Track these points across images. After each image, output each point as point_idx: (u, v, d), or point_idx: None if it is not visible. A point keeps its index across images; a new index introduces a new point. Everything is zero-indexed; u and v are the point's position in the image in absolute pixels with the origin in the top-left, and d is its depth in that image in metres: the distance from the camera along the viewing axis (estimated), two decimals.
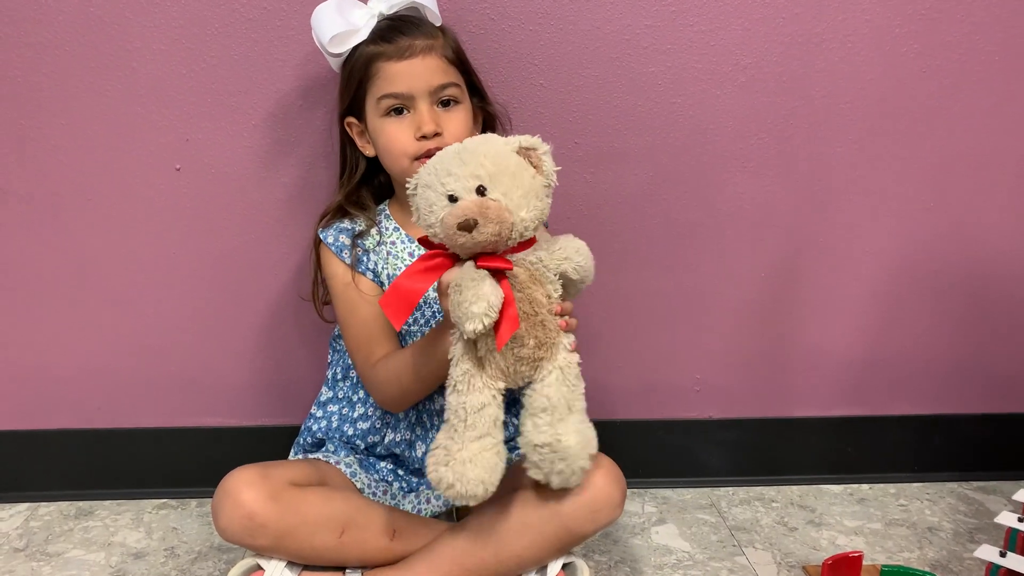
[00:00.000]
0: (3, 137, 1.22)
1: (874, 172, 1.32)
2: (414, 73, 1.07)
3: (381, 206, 1.19)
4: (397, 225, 1.16)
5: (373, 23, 1.09)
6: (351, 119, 1.13)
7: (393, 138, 1.09)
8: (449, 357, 0.96)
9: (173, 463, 1.35)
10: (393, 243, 1.15)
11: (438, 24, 1.12)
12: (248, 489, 1.00)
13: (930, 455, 1.43)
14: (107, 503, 1.33)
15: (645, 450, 1.39)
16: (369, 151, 1.14)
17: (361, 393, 1.17)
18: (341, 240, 1.14)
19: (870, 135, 1.30)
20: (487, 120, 1.18)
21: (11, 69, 1.20)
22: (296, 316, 1.30)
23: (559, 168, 0.97)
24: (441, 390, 1.14)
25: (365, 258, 1.14)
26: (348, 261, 1.13)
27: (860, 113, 1.29)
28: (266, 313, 1.31)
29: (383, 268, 1.14)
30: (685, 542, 1.25)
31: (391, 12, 1.10)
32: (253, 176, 1.25)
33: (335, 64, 1.13)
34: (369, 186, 1.19)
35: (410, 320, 1.13)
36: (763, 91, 1.27)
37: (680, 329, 1.36)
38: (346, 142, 1.16)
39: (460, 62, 1.12)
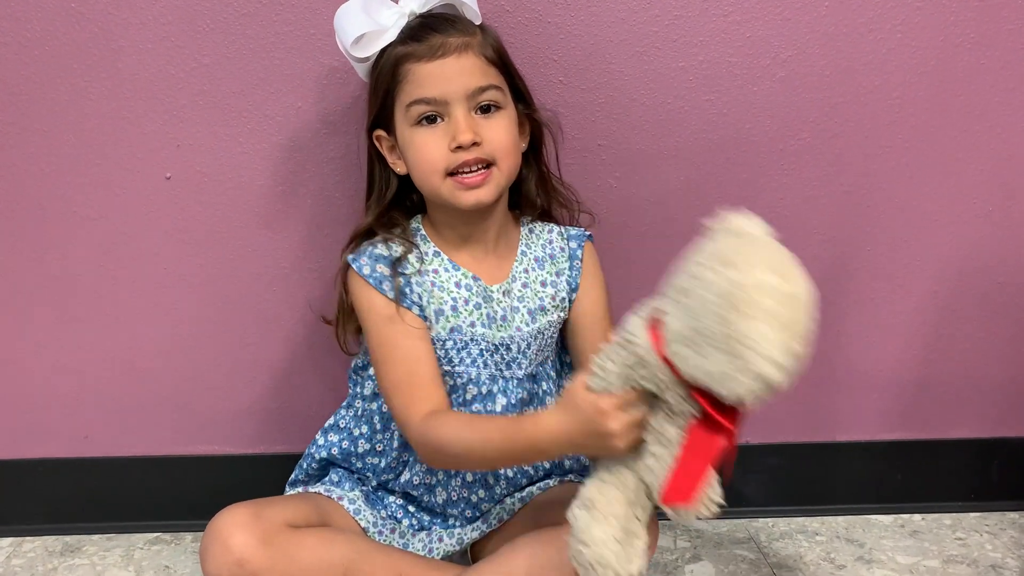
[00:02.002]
0: None
1: (926, 174, 1.21)
2: (448, 74, 0.95)
3: (415, 224, 1.06)
4: (437, 249, 1.03)
5: (403, 22, 0.98)
6: (380, 132, 1.01)
7: (424, 149, 0.96)
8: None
9: (166, 494, 1.26)
10: (436, 271, 1.02)
11: (478, 22, 1.00)
12: (239, 532, 0.91)
13: (988, 483, 1.32)
14: (95, 537, 1.24)
15: None
16: (401, 168, 1.01)
17: (364, 428, 1.07)
18: (379, 271, 0.99)
19: (922, 134, 1.19)
20: (534, 129, 1.05)
21: None
22: (296, 336, 1.22)
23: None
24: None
25: (408, 290, 1.00)
26: (391, 295, 0.98)
27: (911, 110, 1.19)
28: (264, 333, 1.22)
29: (428, 302, 1.00)
30: None
31: (424, 10, 0.98)
32: (249, 184, 1.17)
33: (363, 71, 1.01)
34: (400, 207, 1.05)
35: (456, 359, 1.01)
36: (804, 87, 1.17)
37: None
38: (375, 158, 1.04)
39: (502, 62, 0.99)
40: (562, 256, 1.06)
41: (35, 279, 1.19)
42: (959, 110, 1.19)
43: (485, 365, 1.02)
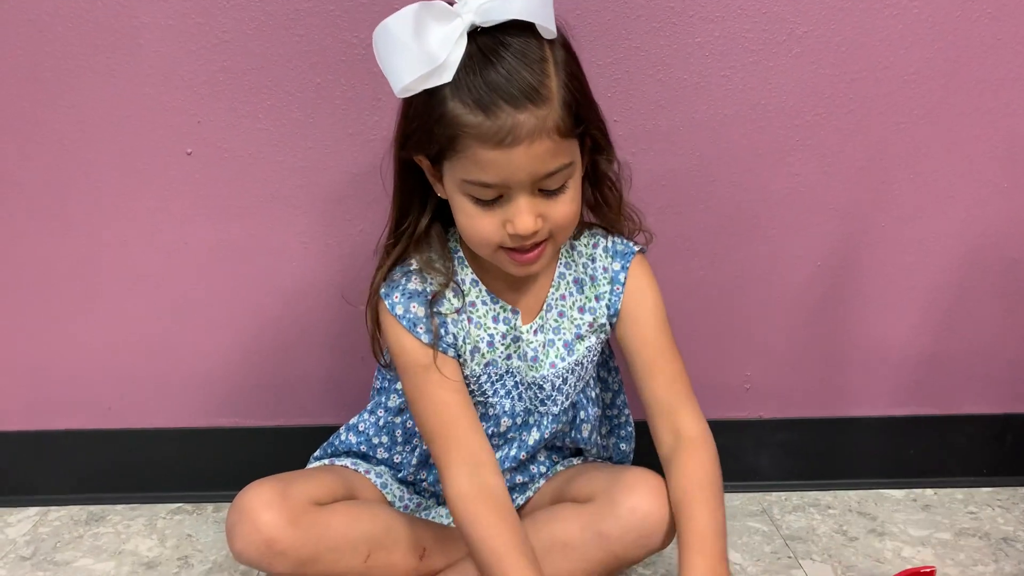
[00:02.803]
0: (4, 123, 1.15)
1: (942, 151, 1.21)
2: (516, 164, 0.81)
3: (452, 243, 0.97)
4: (475, 277, 0.96)
5: (462, 48, 0.80)
6: (421, 157, 0.88)
7: (477, 225, 0.86)
8: None
9: (188, 465, 1.28)
10: (473, 304, 0.95)
11: (552, 36, 0.84)
12: (267, 511, 0.90)
13: (1001, 457, 1.32)
14: (119, 507, 1.26)
15: None
16: (442, 193, 0.90)
17: (385, 439, 1.06)
18: (413, 311, 0.92)
19: (938, 110, 1.19)
20: (600, 181, 0.95)
21: (10, 46, 1.13)
22: (315, 310, 1.22)
23: None
24: (506, 443, 1.02)
25: (443, 330, 0.93)
26: (427, 340, 0.92)
27: (927, 85, 1.18)
28: (284, 307, 1.23)
29: (464, 342, 0.95)
30: (736, 553, 1.15)
31: (485, 22, 0.80)
32: (269, 160, 1.17)
33: (402, 95, 0.84)
34: (439, 221, 0.95)
35: (489, 391, 0.98)
36: (820, 62, 1.17)
37: (728, 323, 1.26)
38: (407, 176, 0.91)
39: (578, 120, 0.85)
40: (604, 278, 0.98)
41: (59, 254, 1.20)
42: (975, 85, 1.19)
43: (520, 398, 0.99)
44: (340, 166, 1.17)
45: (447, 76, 0.80)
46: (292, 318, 1.24)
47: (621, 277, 0.98)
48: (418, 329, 0.93)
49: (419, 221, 0.93)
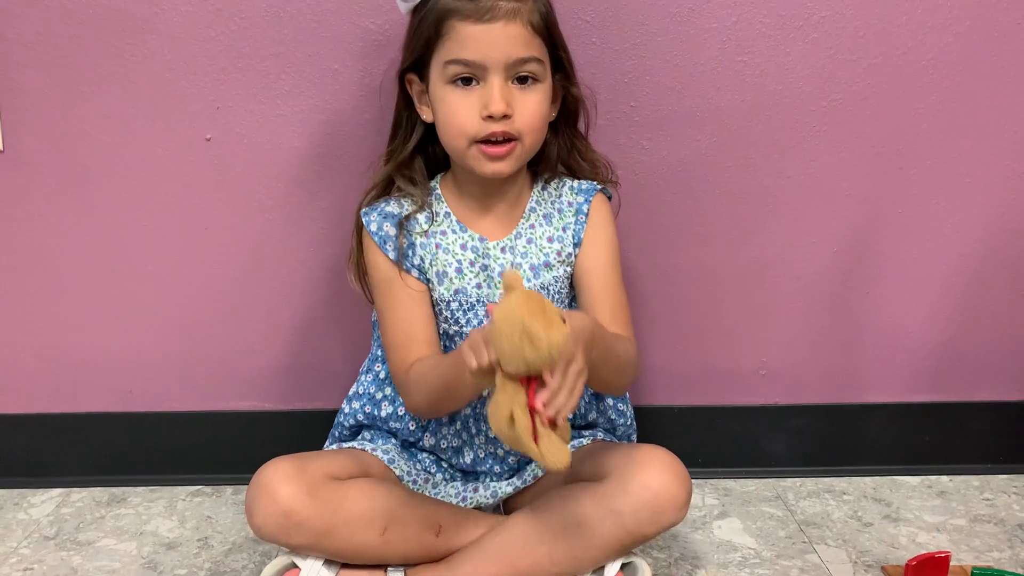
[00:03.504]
0: (25, 104, 1.16)
1: (959, 137, 1.21)
2: (491, 40, 0.93)
3: (433, 182, 1.07)
4: (449, 210, 1.05)
5: None
6: (412, 76, 1.01)
7: (455, 112, 0.96)
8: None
9: (207, 448, 1.29)
10: (443, 233, 1.04)
11: None
12: (285, 484, 0.92)
13: (1017, 444, 1.32)
14: (140, 489, 1.28)
15: (706, 438, 1.30)
16: (427, 116, 1.02)
17: (388, 390, 1.09)
18: (385, 229, 1.02)
19: (956, 96, 1.19)
20: (567, 102, 1.04)
21: (32, 33, 1.14)
22: (333, 295, 1.23)
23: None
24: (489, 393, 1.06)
25: (411, 252, 1.03)
26: (392, 256, 1.02)
27: (945, 71, 1.18)
28: (301, 292, 1.24)
29: (431, 264, 1.03)
30: (750, 537, 1.16)
31: None
32: (287, 146, 1.19)
33: (404, 8, 0.99)
34: (423, 154, 1.06)
35: (462, 320, 1.04)
36: (837, 48, 1.17)
37: (743, 308, 1.26)
38: (403, 102, 1.04)
39: (548, 32, 0.98)
40: (569, 211, 1.06)
41: (79, 239, 1.22)
42: (992, 72, 1.18)
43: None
44: (358, 151, 1.18)
45: None
46: (310, 303, 1.25)
47: (585, 208, 1.06)
48: (387, 246, 1.02)
49: (406, 142, 1.04)
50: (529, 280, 1.04)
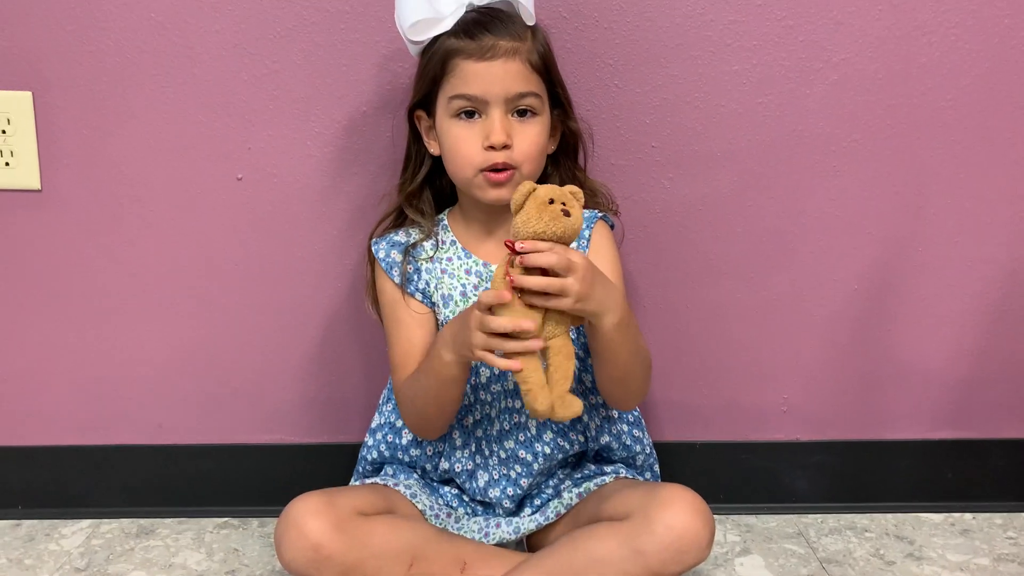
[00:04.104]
0: (64, 146, 1.20)
1: (980, 175, 1.22)
2: (492, 77, 1.00)
3: (441, 215, 1.12)
4: (455, 238, 1.10)
5: (461, 12, 1.01)
6: (420, 112, 1.07)
7: (459, 143, 1.02)
8: None
9: (234, 481, 1.31)
10: (449, 259, 1.09)
11: (531, 23, 1.03)
12: (314, 519, 0.94)
13: None
14: (168, 521, 1.30)
15: (728, 474, 1.30)
16: (435, 149, 1.07)
17: (410, 448, 1.12)
18: (392, 256, 1.09)
19: (975, 136, 1.20)
20: (567, 137, 1.09)
21: (72, 76, 1.17)
22: (357, 331, 1.26)
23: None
24: (500, 413, 1.09)
25: (416, 276, 1.08)
26: (397, 280, 1.08)
27: (964, 111, 1.19)
28: (327, 327, 1.26)
29: (436, 288, 1.08)
30: (771, 575, 1.16)
31: (483, 3, 1.02)
32: (316, 186, 1.21)
33: (414, 51, 1.05)
34: (432, 187, 1.12)
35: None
36: (857, 89, 1.18)
37: (766, 345, 1.27)
38: (412, 137, 1.10)
39: (546, 69, 1.04)
40: None
41: (112, 275, 1.25)
42: (1011, 112, 1.19)
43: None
44: (386, 191, 1.19)
45: (447, 26, 1.00)
46: (337, 338, 1.27)
47: (586, 234, 1.09)
48: (393, 272, 1.09)
49: (416, 175, 1.10)
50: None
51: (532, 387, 0.90)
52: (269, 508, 1.25)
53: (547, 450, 1.08)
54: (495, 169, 1.01)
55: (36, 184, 1.21)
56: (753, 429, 1.30)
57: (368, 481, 1.12)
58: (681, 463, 1.26)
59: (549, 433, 1.08)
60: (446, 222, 1.12)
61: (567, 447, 1.09)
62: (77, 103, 1.18)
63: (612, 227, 1.13)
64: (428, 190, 1.11)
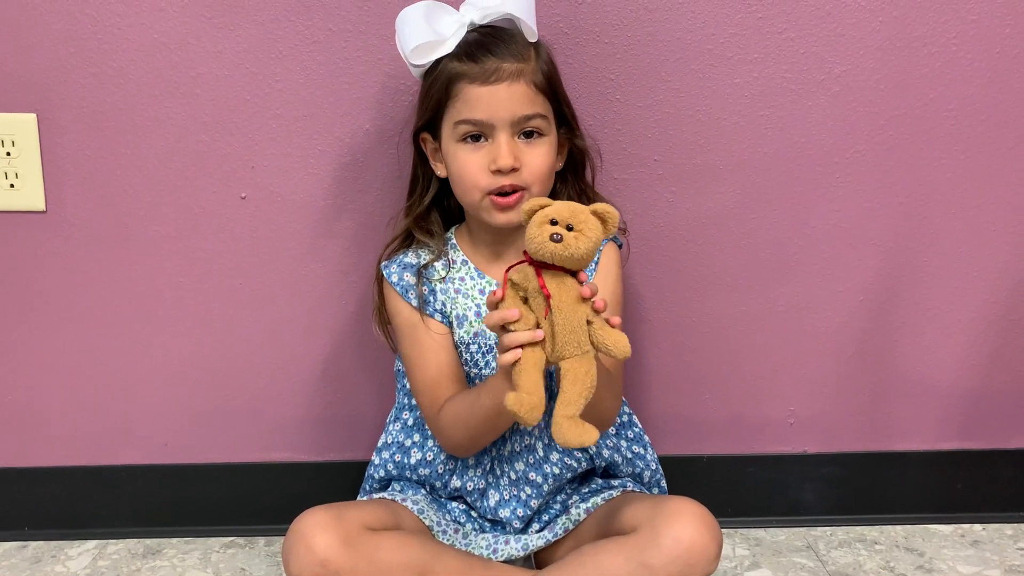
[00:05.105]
0: (69, 167, 1.20)
1: (982, 185, 1.22)
2: (497, 101, 0.99)
3: (448, 233, 1.12)
4: (465, 257, 1.09)
5: (462, 33, 1.00)
6: (426, 135, 1.06)
7: (466, 167, 1.01)
8: None
9: (240, 499, 1.31)
10: (462, 279, 1.08)
11: (534, 39, 1.02)
12: (322, 533, 0.94)
13: None
14: (175, 540, 1.29)
15: (735, 487, 1.30)
16: (441, 171, 1.07)
17: (416, 437, 1.11)
18: (406, 279, 1.07)
19: (978, 146, 1.20)
20: (574, 154, 1.09)
21: (76, 98, 1.18)
22: (363, 348, 1.25)
23: None
24: (512, 434, 1.08)
25: (432, 298, 1.07)
26: (415, 303, 1.06)
27: (966, 122, 1.19)
28: (333, 345, 1.26)
29: (451, 308, 1.07)
30: None
31: (484, 22, 1.01)
32: (320, 204, 1.21)
33: (417, 73, 1.05)
34: (439, 208, 1.11)
35: (482, 362, 1.07)
36: (859, 101, 1.18)
37: (771, 357, 1.27)
38: (418, 159, 1.09)
39: (551, 88, 1.03)
40: None
41: (117, 295, 1.25)
42: (1014, 122, 1.19)
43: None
44: (390, 209, 1.20)
45: (449, 47, 1.00)
46: (341, 357, 1.27)
47: (596, 257, 1.06)
48: (409, 295, 1.07)
49: (423, 197, 1.09)
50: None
51: (519, 388, 0.86)
52: (275, 527, 1.25)
53: (556, 471, 1.08)
54: (503, 193, 1.01)
55: (41, 205, 1.21)
56: (760, 442, 1.30)
57: (376, 496, 1.11)
58: (688, 477, 1.26)
59: (556, 454, 1.08)
60: (454, 240, 1.11)
61: (575, 466, 1.09)
62: (81, 124, 1.19)
63: (620, 246, 1.12)
64: (436, 211, 1.11)
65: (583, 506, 1.08)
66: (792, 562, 1.21)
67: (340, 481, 1.24)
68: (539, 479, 1.07)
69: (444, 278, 1.08)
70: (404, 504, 1.07)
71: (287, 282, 1.24)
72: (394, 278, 1.08)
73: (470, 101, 0.99)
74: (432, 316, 1.07)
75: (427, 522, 1.06)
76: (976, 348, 1.28)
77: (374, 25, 1.16)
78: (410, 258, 1.09)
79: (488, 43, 1.00)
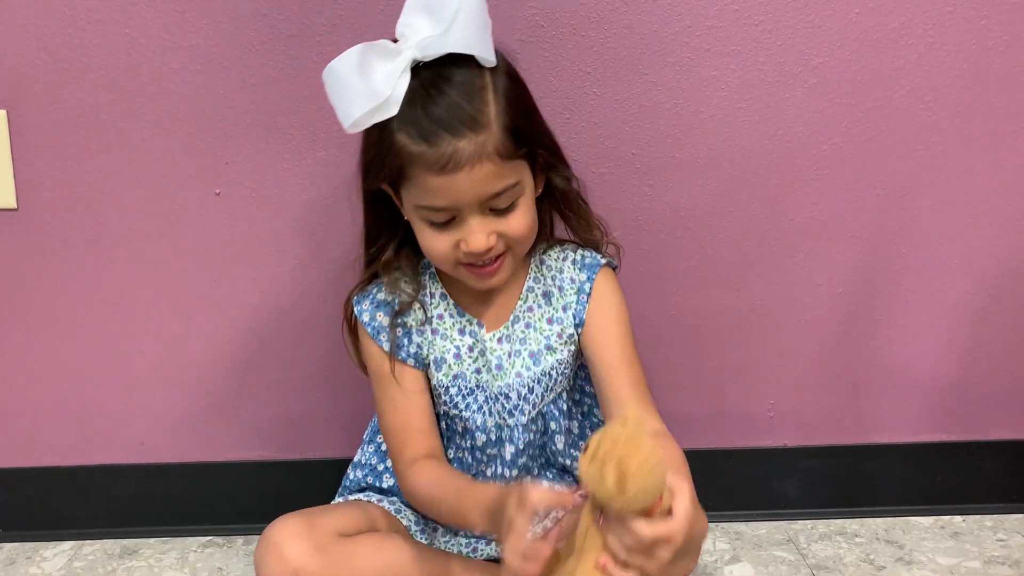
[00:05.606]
0: (40, 164, 1.19)
1: (961, 178, 1.21)
2: (459, 189, 0.85)
3: (424, 259, 1.00)
4: (444, 291, 1.01)
5: (406, 83, 0.85)
6: (384, 184, 0.93)
7: (434, 245, 0.91)
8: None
9: (218, 499, 1.30)
10: (440, 317, 1.01)
11: (492, 65, 0.87)
12: (294, 542, 0.92)
13: None
14: (152, 540, 1.28)
15: (716, 481, 1.29)
16: (408, 215, 0.94)
17: (390, 463, 1.08)
18: (379, 319, 0.99)
19: (956, 137, 1.20)
20: (555, 190, 0.97)
21: (46, 94, 1.16)
22: (340, 347, 1.22)
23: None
24: (490, 460, 1.04)
25: (406, 340, 1.00)
26: (386, 347, 0.99)
27: (944, 113, 1.19)
28: (311, 342, 1.25)
29: (428, 352, 1.00)
30: None
31: (428, 56, 0.85)
32: (295, 200, 1.20)
33: (350, 130, 0.88)
34: (411, 244, 0.98)
35: (462, 404, 1.01)
36: (836, 93, 1.18)
37: (751, 351, 1.27)
38: (372, 215, 0.97)
39: (521, 139, 0.88)
40: (571, 288, 1.01)
41: (91, 292, 1.23)
42: (992, 112, 1.19)
43: (490, 413, 1.01)
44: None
45: (393, 110, 0.85)
46: (319, 354, 1.26)
47: (587, 287, 1.00)
48: (381, 337, 0.99)
49: (386, 248, 0.99)
50: (529, 368, 1.00)
51: None
52: (253, 526, 1.23)
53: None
54: (480, 264, 0.92)
55: (12, 203, 1.20)
56: (740, 436, 1.30)
57: (352, 498, 1.09)
58: None
59: (525, 459, 1.06)
60: (432, 269, 1.02)
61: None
62: (52, 120, 1.17)
63: (616, 268, 1.05)
64: (406, 249, 0.99)
65: None
66: (772, 555, 1.21)
67: (318, 480, 1.22)
68: (513, 475, 1.06)
69: (423, 321, 1.00)
70: (381, 504, 1.06)
71: (263, 279, 1.23)
72: (366, 317, 1.00)
73: (429, 189, 0.86)
74: (405, 361, 1.00)
75: (405, 522, 1.05)
76: (955, 340, 1.28)
77: (348, 19, 1.14)
78: (383, 294, 1.00)
79: (439, 115, 0.84)
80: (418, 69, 0.86)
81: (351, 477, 1.12)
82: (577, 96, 1.17)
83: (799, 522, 1.29)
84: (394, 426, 1.00)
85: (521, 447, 1.02)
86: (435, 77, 0.86)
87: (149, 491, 1.29)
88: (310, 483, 1.21)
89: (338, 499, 1.13)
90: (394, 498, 1.08)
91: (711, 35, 1.16)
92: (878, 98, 1.18)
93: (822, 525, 1.28)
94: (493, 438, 1.02)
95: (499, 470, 1.03)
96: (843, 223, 1.22)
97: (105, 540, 1.28)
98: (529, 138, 0.90)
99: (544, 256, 1.03)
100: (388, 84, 0.85)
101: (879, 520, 1.29)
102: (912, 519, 1.29)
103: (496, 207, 0.89)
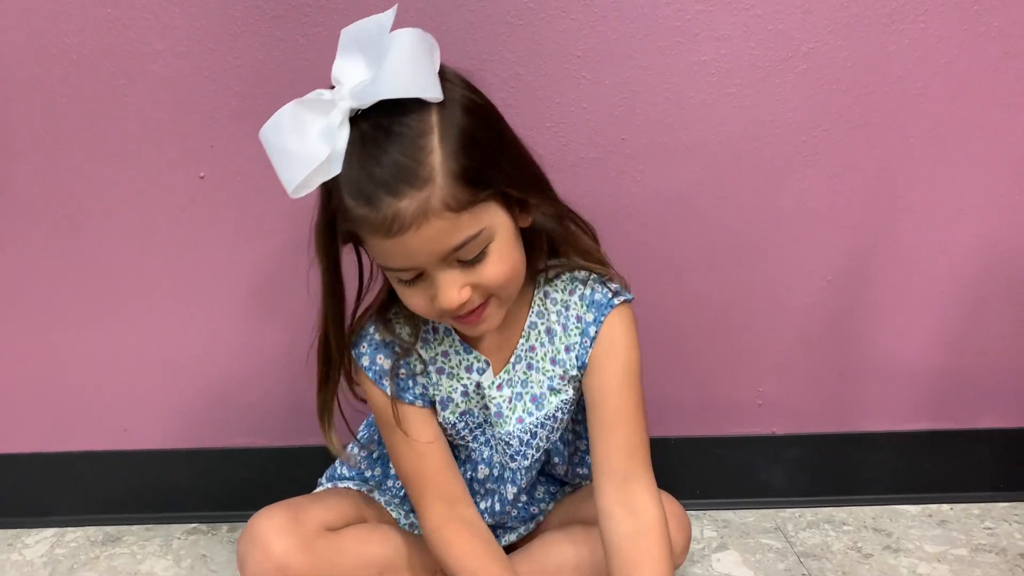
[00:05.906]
0: (21, 149, 1.17)
1: (952, 164, 1.21)
2: (410, 250, 0.77)
3: None
4: (448, 327, 0.94)
5: (345, 136, 0.76)
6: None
7: (409, 301, 0.84)
8: None
9: (203, 485, 1.29)
10: (445, 354, 0.94)
11: (439, 100, 0.76)
12: (279, 537, 0.90)
13: (1018, 472, 1.31)
14: (135, 527, 1.27)
15: (703, 469, 1.29)
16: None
17: (378, 471, 1.07)
18: (379, 363, 0.92)
19: (947, 124, 1.19)
20: (545, 222, 0.87)
21: (27, 77, 1.14)
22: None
23: None
24: (488, 493, 1.02)
25: (411, 382, 0.93)
26: (389, 392, 0.92)
27: (935, 100, 1.18)
28: (297, 328, 1.23)
29: (434, 392, 0.94)
30: (749, 570, 1.15)
31: (364, 104, 0.76)
32: (280, 184, 1.18)
33: (294, 194, 0.80)
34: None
35: (468, 436, 0.98)
36: (827, 78, 1.17)
37: (739, 338, 1.26)
38: (330, 281, 0.89)
39: (477, 185, 0.77)
40: (576, 328, 0.93)
41: (73, 276, 1.22)
42: (983, 99, 1.19)
43: (495, 450, 0.98)
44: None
45: (336, 168, 0.76)
46: (305, 339, 1.23)
47: (592, 331, 0.92)
48: (383, 382, 0.92)
49: (377, 297, 0.94)
50: (531, 413, 0.95)
51: None
52: (239, 513, 1.23)
53: (542, 507, 1.06)
54: (462, 315, 0.84)
55: None
56: (728, 423, 1.29)
57: (341, 485, 1.08)
58: (656, 459, 1.22)
59: (541, 489, 1.06)
60: None
61: (557, 492, 1.07)
62: (32, 103, 1.15)
63: (631, 300, 0.95)
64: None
65: (552, 499, 1.07)
66: (760, 543, 1.21)
67: (304, 467, 1.21)
68: (511, 510, 1.04)
69: (426, 363, 0.93)
70: (371, 495, 1.05)
71: (248, 263, 1.21)
72: (365, 361, 0.93)
73: (383, 253, 0.79)
74: (413, 403, 0.94)
75: (394, 514, 1.04)
76: (945, 328, 1.27)
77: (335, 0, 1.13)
78: (381, 335, 0.93)
79: (377, 172, 0.75)
80: (357, 119, 0.76)
81: (339, 472, 1.10)
82: (567, 80, 1.16)
83: (787, 510, 1.29)
84: (410, 472, 0.94)
85: (524, 486, 1.00)
86: (373, 129, 0.76)
87: (132, 478, 1.28)
88: (295, 470, 1.20)
89: (327, 485, 1.11)
90: (382, 489, 1.07)
91: (701, 20, 1.15)
92: (868, 84, 1.18)
93: (810, 513, 1.28)
94: (495, 474, 0.99)
95: (496, 507, 1.01)
96: (833, 210, 1.22)
97: (88, 527, 1.27)
98: (488, 179, 0.79)
99: (549, 288, 0.95)
100: (327, 142, 0.76)
101: (867, 508, 1.29)
102: (900, 507, 1.29)
103: (462, 259, 0.80)
